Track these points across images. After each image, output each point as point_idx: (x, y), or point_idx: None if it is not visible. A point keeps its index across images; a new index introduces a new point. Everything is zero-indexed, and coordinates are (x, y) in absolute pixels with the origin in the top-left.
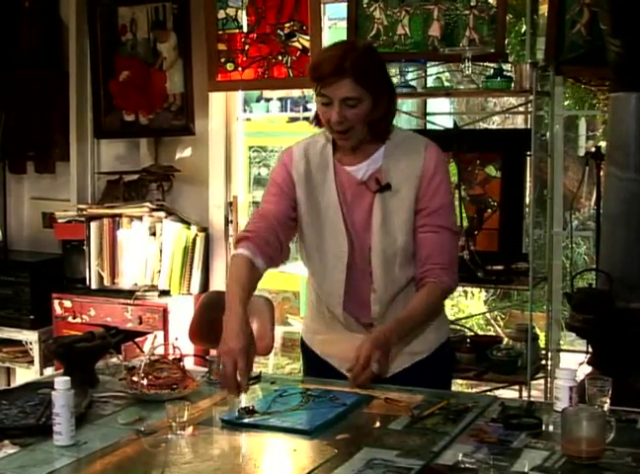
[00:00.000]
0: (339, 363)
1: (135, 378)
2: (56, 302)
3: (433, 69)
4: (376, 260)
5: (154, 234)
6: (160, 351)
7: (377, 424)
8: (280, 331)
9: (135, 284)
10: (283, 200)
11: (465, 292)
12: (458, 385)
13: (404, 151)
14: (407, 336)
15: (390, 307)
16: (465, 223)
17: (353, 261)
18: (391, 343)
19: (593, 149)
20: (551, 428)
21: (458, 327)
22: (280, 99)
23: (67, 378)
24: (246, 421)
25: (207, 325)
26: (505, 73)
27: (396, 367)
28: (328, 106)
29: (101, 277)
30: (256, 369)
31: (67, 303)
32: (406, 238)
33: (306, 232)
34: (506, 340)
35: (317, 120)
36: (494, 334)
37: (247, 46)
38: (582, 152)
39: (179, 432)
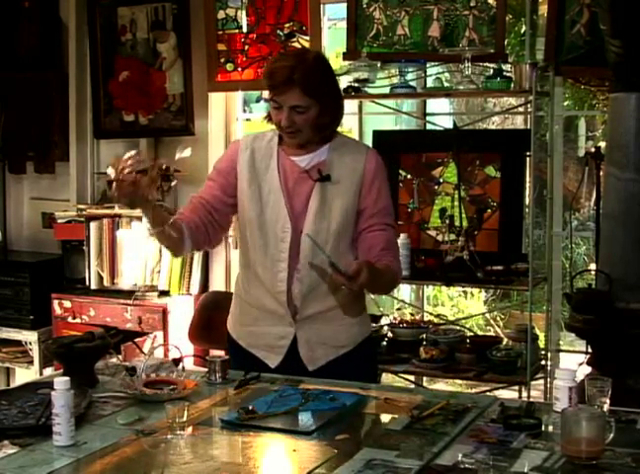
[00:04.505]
0: (263, 355)
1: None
2: (56, 302)
3: (432, 69)
4: (306, 240)
5: None
6: (160, 351)
7: (377, 424)
8: None
9: (135, 285)
10: (220, 187)
11: (465, 293)
12: (458, 385)
13: (348, 150)
14: (375, 282)
15: (313, 292)
16: (465, 223)
17: (292, 244)
18: (372, 271)
19: (592, 149)
20: (551, 428)
21: (458, 327)
22: None
23: (67, 378)
24: (246, 421)
25: (207, 325)
26: (504, 73)
27: (322, 359)
28: (279, 109)
29: (100, 278)
30: None
31: (67, 303)
32: (340, 225)
33: (248, 218)
34: (505, 340)
35: (269, 119)
36: (494, 334)
37: (247, 47)
38: (581, 152)
39: (178, 432)
